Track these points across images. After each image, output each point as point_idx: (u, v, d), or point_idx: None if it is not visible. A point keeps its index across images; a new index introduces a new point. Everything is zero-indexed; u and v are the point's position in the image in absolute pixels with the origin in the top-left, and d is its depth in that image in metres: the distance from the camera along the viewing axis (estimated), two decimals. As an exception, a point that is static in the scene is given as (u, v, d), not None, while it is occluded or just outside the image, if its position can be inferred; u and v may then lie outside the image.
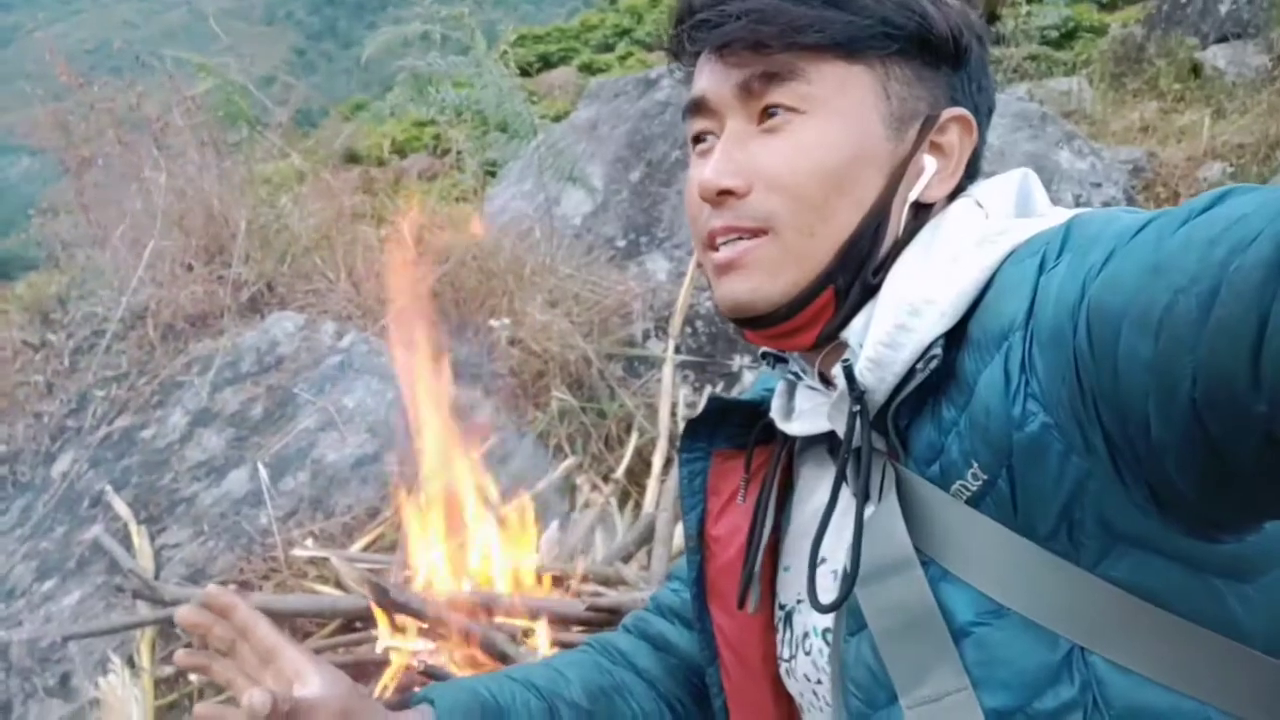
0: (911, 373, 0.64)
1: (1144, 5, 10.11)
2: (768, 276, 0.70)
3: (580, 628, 2.09)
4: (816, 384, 0.77)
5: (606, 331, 3.52)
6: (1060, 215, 0.69)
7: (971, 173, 0.76)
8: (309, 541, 2.68)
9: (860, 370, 0.66)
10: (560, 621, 2.11)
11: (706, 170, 0.71)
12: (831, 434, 0.73)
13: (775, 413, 0.79)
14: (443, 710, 0.81)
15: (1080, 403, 0.56)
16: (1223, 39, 8.45)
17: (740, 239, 0.71)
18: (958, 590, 0.64)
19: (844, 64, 0.69)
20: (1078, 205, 3.35)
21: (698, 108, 0.74)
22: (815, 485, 0.79)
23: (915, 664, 0.65)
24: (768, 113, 0.70)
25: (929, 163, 0.72)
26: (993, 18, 8.81)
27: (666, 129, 4.12)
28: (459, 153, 4.77)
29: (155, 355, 3.64)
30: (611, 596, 2.09)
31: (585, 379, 3.38)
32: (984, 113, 0.76)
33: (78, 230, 4.65)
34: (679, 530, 2.62)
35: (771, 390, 0.82)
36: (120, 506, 2.94)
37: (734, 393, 3.44)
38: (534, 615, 2.09)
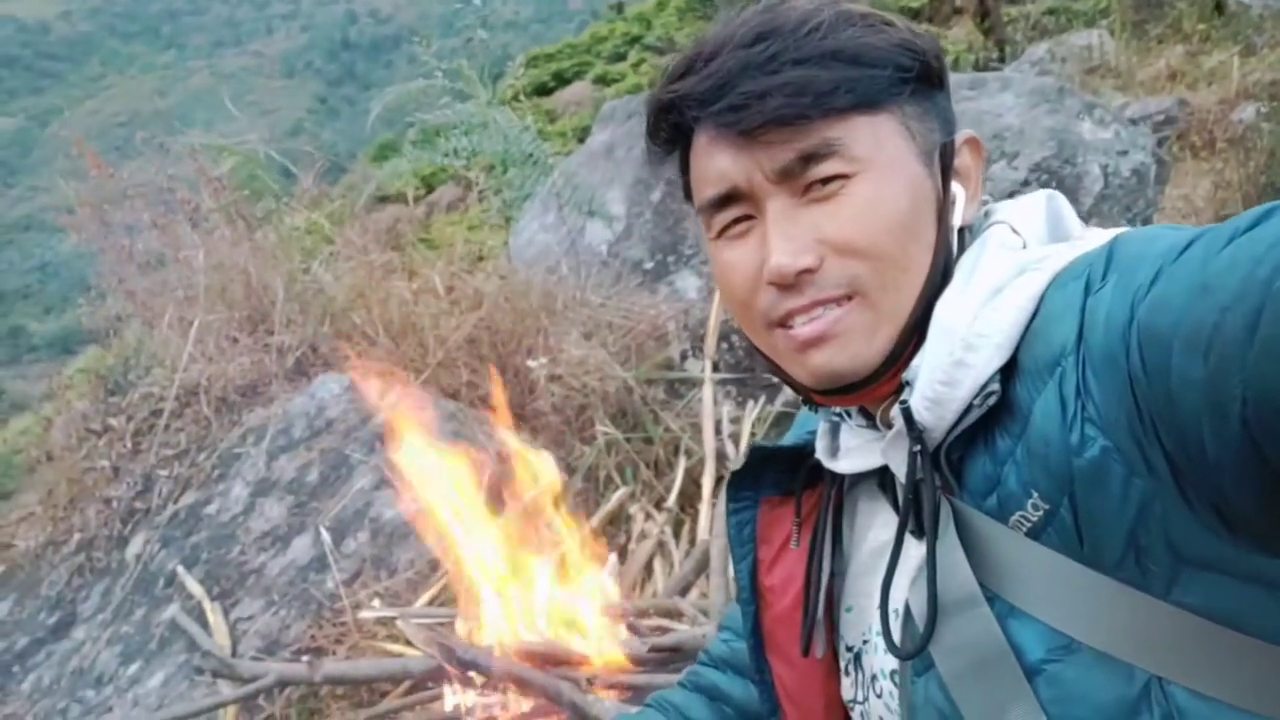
0: (968, 408, 0.64)
1: (1158, -53, 9.87)
2: (864, 341, 0.69)
3: (644, 668, 2.10)
4: (861, 421, 0.76)
5: (644, 356, 3.54)
6: (1099, 236, 0.69)
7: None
8: (375, 602, 2.74)
9: (918, 409, 0.66)
10: (625, 664, 2.13)
11: (776, 256, 0.68)
12: (882, 469, 0.73)
13: (821, 453, 0.78)
14: None
15: (1139, 424, 0.55)
16: (1244, -28, 8.19)
17: (825, 309, 0.69)
18: (1026, 626, 0.63)
19: (869, 117, 0.69)
20: (1105, 176, 3.28)
21: (728, 199, 0.72)
22: (870, 521, 0.78)
23: (989, 704, 0.64)
24: (814, 185, 0.69)
25: (957, 188, 0.72)
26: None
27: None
28: (480, 191, 4.84)
29: (212, 429, 3.74)
30: (674, 635, 2.10)
31: (628, 407, 3.39)
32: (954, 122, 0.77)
33: (125, 309, 4.80)
34: (734, 555, 2.62)
35: (813, 432, 0.81)
36: (192, 585, 3.03)
37: (777, 404, 3.46)
38: (598, 661, 2.11)
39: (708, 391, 3.23)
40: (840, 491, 0.81)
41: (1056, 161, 3.29)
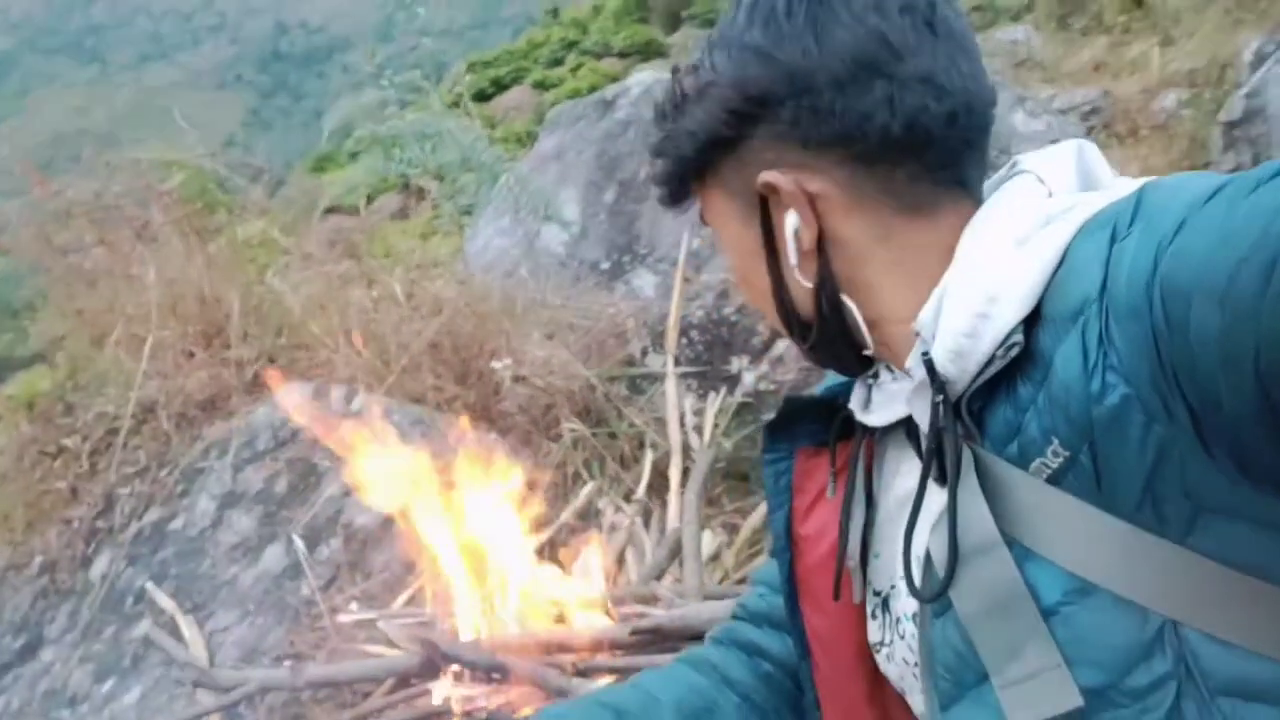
0: (990, 359, 0.65)
1: (1078, -58, 10.21)
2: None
3: (627, 651, 2.17)
4: (887, 372, 0.78)
5: (605, 355, 3.60)
6: (1128, 185, 0.68)
7: (936, 161, 0.71)
8: (353, 605, 2.77)
9: (941, 362, 0.67)
10: (606, 648, 2.19)
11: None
12: (908, 418, 0.75)
13: (855, 404, 0.81)
14: None
15: (1161, 374, 0.56)
16: (1160, -35, 8.52)
17: None
18: (1042, 570, 0.64)
19: (703, 190, 0.79)
20: (1039, 164, 3.42)
21: None
22: (896, 469, 0.80)
23: (1006, 643, 0.66)
24: None
25: (790, 220, 0.73)
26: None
27: (632, 148, 4.19)
28: (434, 199, 4.86)
29: (172, 445, 3.72)
30: (653, 617, 2.18)
31: (592, 404, 3.46)
32: (854, 116, 0.69)
33: (69, 326, 4.71)
34: (706, 540, 2.71)
35: (845, 382, 0.84)
36: (163, 600, 3.02)
37: (737, 395, 3.55)
38: (580, 647, 2.17)
39: (670, 384, 3.32)
40: (872, 441, 0.82)
41: (992, 153, 3.42)
